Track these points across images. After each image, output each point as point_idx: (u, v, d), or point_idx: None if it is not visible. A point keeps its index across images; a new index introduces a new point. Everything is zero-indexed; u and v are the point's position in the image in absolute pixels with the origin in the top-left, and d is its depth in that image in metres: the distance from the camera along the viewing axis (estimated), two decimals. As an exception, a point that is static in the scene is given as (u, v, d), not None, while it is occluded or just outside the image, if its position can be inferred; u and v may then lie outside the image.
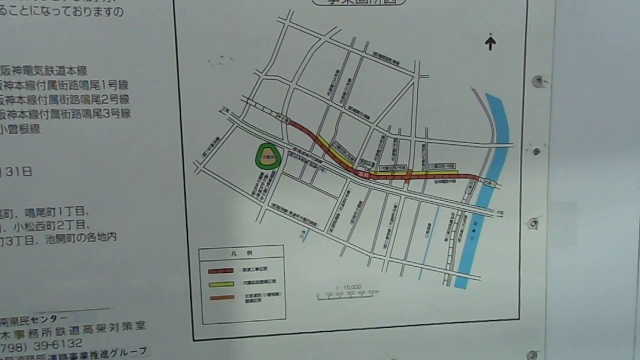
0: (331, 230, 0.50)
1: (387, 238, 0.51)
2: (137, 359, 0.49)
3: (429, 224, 0.51)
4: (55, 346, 0.47)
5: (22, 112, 0.44)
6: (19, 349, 0.47)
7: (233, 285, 0.49)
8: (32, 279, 0.46)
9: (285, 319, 0.50)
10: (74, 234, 0.46)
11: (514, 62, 0.49)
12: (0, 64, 0.43)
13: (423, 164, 0.50)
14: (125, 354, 0.49)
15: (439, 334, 0.52)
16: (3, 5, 0.43)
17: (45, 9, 0.43)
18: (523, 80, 0.50)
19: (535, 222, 0.52)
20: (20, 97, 0.44)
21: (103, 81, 0.45)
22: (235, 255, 0.49)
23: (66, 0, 0.43)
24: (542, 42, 0.49)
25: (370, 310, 0.51)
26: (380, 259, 0.51)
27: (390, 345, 0.52)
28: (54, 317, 0.47)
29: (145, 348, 0.49)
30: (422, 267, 0.51)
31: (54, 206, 0.46)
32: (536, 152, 0.51)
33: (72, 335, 0.47)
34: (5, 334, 0.46)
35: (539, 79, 0.50)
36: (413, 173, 0.50)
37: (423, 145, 0.50)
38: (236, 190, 0.48)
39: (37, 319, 0.47)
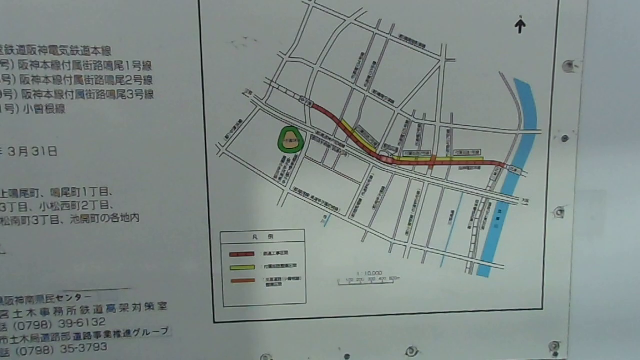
0: (353, 216, 0.49)
1: (409, 224, 0.50)
2: (159, 339, 0.49)
3: (452, 211, 0.50)
4: (80, 324, 0.48)
5: (48, 92, 0.45)
6: (45, 327, 0.48)
7: (254, 268, 0.49)
8: (57, 257, 0.47)
9: (305, 303, 0.50)
10: (98, 215, 0.47)
11: (544, 46, 0.48)
12: (26, 43, 0.43)
13: (447, 150, 0.49)
14: (147, 334, 0.49)
15: (460, 322, 0.52)
16: (29, -15, 0.43)
17: (70, -11, 0.43)
18: (553, 65, 0.48)
19: (562, 211, 0.51)
20: (46, 77, 0.44)
21: (127, 62, 0.45)
22: (257, 239, 0.49)
23: (91, -20, 0.43)
24: (574, 25, 0.48)
25: (390, 297, 0.51)
26: (402, 245, 0.50)
27: (410, 332, 0.52)
28: (78, 296, 0.48)
29: (167, 328, 0.49)
30: (444, 255, 0.51)
31: (79, 186, 0.46)
32: (565, 139, 0.50)
33: (96, 314, 0.48)
34: (31, 311, 0.47)
35: (570, 64, 0.49)
36: (437, 159, 0.49)
37: (448, 131, 0.49)
38: (258, 174, 0.48)
39: (62, 297, 0.48)
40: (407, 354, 0.52)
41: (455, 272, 0.51)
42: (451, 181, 0.50)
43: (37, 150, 0.45)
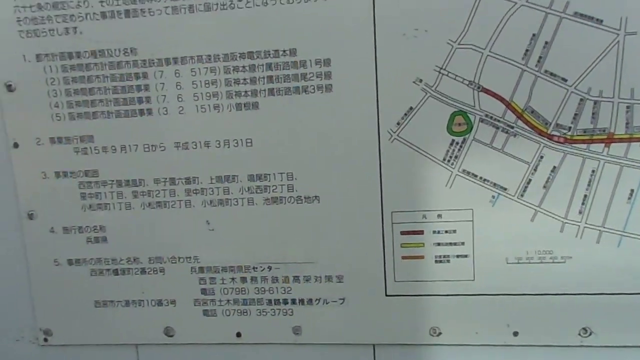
0: (522, 196, 0.50)
1: (583, 204, 0.49)
2: (337, 308, 0.55)
3: (632, 190, 0.48)
4: (271, 292, 0.56)
5: (246, 92, 0.52)
6: (243, 293, 0.56)
7: (423, 246, 0.53)
8: (252, 234, 0.55)
9: (473, 280, 0.52)
10: (285, 197, 0.53)
11: None
12: (229, 51, 0.51)
13: (627, 127, 0.48)
14: (327, 303, 0.55)
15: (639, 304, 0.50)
16: (232, 1, 0.50)
17: (264, 0, 0.50)
18: None
19: None
20: (244, 79, 0.52)
21: (310, 60, 0.50)
22: (426, 218, 0.52)
23: (280, -10, 0.50)
24: None
25: (562, 277, 0.51)
26: (574, 225, 0.50)
27: (584, 313, 0.51)
28: (269, 267, 0.55)
29: (343, 299, 0.55)
30: (622, 235, 0.49)
31: (270, 172, 0.53)
32: None
33: (284, 284, 0.55)
34: (233, 279, 0.56)
35: None
36: (615, 136, 0.48)
37: (627, 107, 0.47)
38: (428, 157, 0.51)
39: (256, 268, 0.55)
40: (580, 335, 0.52)
41: (635, 253, 0.49)
42: (631, 159, 0.48)
43: (237, 142, 0.53)
